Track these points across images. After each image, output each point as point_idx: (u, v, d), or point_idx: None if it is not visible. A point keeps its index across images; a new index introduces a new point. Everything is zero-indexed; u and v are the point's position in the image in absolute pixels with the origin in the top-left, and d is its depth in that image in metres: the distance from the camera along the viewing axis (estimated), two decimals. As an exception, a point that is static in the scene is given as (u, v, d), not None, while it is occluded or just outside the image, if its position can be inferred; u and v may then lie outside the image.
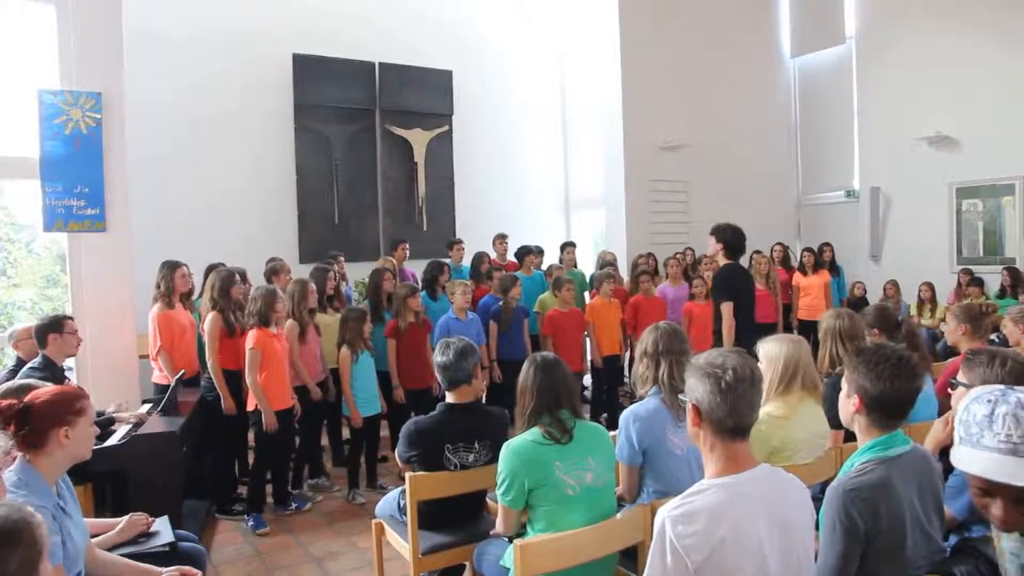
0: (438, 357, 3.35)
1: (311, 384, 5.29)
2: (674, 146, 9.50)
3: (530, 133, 10.76)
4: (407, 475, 3.19)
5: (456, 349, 3.31)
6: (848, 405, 2.14)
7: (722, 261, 5.27)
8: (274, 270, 5.93)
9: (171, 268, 5.23)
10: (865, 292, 9.14)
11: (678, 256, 7.98)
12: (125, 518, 2.96)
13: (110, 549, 2.79)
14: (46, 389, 2.50)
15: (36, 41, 5.92)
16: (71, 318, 4.51)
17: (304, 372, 5.23)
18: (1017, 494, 1.48)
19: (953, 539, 2.53)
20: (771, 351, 3.10)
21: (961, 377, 2.50)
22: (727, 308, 5.08)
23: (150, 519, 3.03)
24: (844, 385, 2.18)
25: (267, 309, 4.75)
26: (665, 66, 9.42)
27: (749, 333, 4.54)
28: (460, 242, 8.04)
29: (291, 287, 5.33)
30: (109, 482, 4.02)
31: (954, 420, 1.63)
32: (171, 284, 5.18)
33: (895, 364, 2.04)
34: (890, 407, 2.05)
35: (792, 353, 3.06)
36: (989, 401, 1.53)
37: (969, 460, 1.52)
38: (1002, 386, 1.61)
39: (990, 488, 1.51)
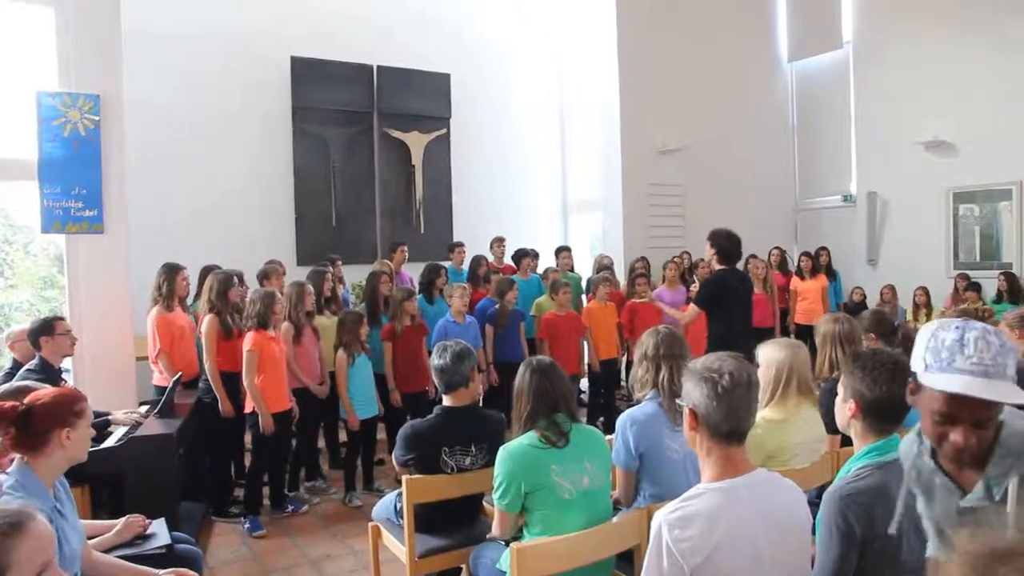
0: (435, 360, 3.35)
1: (311, 382, 5.30)
2: (672, 150, 9.52)
3: (528, 136, 10.77)
4: (404, 478, 3.19)
5: (453, 352, 3.31)
6: (844, 410, 2.14)
7: (717, 266, 5.30)
8: (265, 273, 5.93)
9: (173, 271, 5.23)
10: (864, 297, 9.17)
11: (676, 260, 8.00)
12: (122, 520, 2.96)
13: (107, 551, 2.79)
14: (46, 391, 2.50)
15: (35, 43, 5.92)
16: (62, 318, 4.49)
17: (301, 374, 5.23)
18: (978, 417, 1.53)
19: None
20: (766, 356, 3.10)
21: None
22: (693, 309, 5.26)
23: (147, 521, 3.03)
24: (840, 390, 2.18)
25: (266, 311, 4.75)
26: (663, 70, 9.45)
27: (746, 338, 4.55)
28: (461, 245, 8.06)
29: (288, 289, 5.34)
30: (106, 484, 4.01)
31: (918, 347, 1.64)
32: (172, 287, 5.19)
33: (891, 369, 2.04)
34: (886, 412, 2.05)
35: (784, 359, 3.06)
36: (957, 328, 1.57)
37: (942, 382, 1.54)
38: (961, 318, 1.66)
39: (954, 413, 1.54)
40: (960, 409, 1.53)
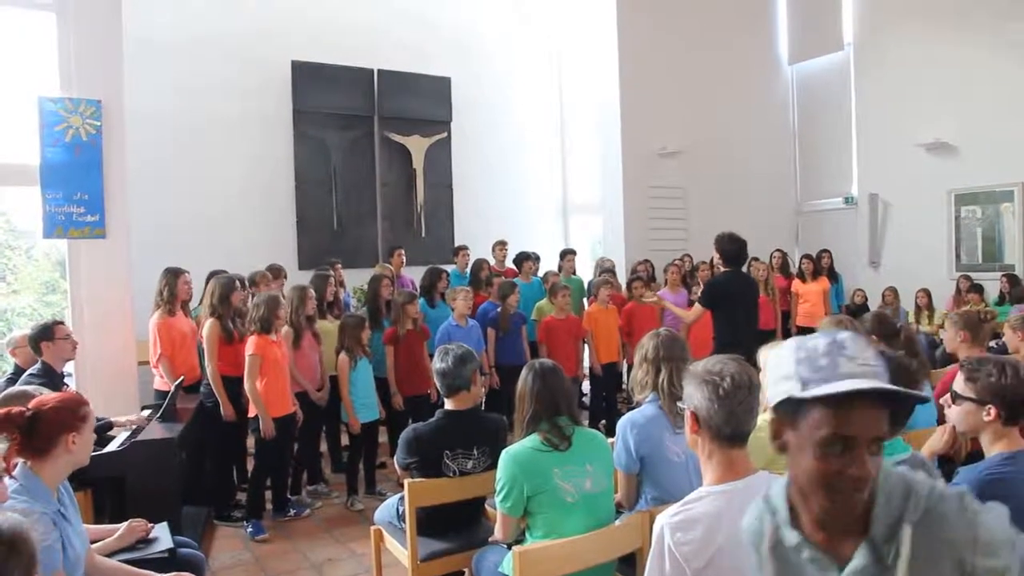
0: (437, 363, 3.35)
1: (310, 388, 5.30)
2: (672, 152, 9.53)
3: (529, 139, 10.79)
4: (406, 482, 3.19)
5: (455, 356, 3.31)
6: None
7: (722, 269, 5.35)
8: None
9: (174, 275, 5.23)
10: (866, 299, 9.15)
11: (677, 263, 7.99)
12: (124, 524, 2.96)
13: (109, 555, 2.79)
14: (50, 396, 2.51)
15: (36, 48, 5.95)
16: (61, 323, 4.49)
17: (300, 378, 5.23)
18: (876, 432, 1.23)
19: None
20: (763, 358, 3.10)
21: (958, 386, 2.37)
22: (697, 308, 5.44)
23: (149, 525, 3.03)
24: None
25: (270, 315, 4.75)
26: (663, 72, 9.46)
27: (750, 341, 4.55)
28: (466, 248, 8.07)
29: (290, 293, 5.34)
30: (108, 488, 4.02)
31: (779, 371, 1.32)
32: (174, 291, 5.19)
33: (894, 371, 2.04)
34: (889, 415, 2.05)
35: None
36: (824, 333, 1.31)
37: (833, 390, 1.22)
38: None
39: (851, 431, 1.22)
40: (857, 423, 1.21)
